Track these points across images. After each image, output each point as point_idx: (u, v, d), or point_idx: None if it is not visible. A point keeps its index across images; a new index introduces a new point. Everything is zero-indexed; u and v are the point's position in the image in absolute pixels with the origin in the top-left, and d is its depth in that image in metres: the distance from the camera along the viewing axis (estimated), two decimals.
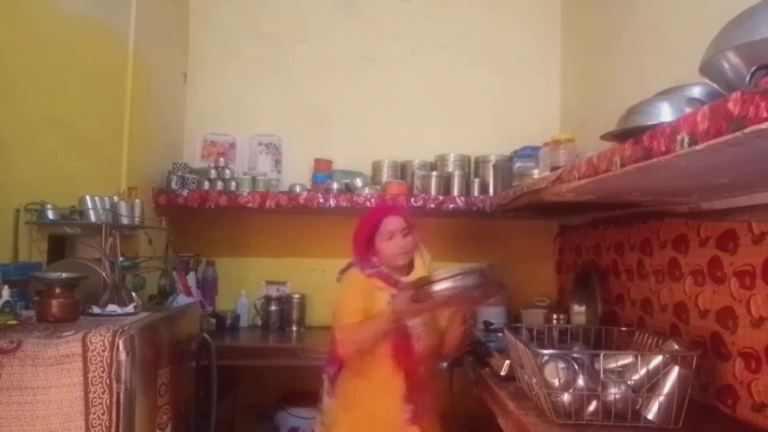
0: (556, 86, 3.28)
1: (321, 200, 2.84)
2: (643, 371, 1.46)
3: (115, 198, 2.18)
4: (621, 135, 1.28)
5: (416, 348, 1.86)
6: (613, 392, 1.46)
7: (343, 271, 2.00)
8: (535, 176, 2.27)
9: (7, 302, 1.54)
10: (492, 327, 2.61)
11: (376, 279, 1.89)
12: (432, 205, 2.85)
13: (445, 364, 2.22)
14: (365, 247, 1.92)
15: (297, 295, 3.11)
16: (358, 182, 2.96)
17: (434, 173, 2.98)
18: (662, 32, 2.09)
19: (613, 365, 1.52)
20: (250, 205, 2.82)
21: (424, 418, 1.84)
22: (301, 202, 2.83)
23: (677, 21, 1.97)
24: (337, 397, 1.93)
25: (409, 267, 1.95)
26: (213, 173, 2.94)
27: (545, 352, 1.55)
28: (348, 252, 3.26)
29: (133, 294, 1.83)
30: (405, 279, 1.90)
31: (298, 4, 3.34)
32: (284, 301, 3.11)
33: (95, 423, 1.30)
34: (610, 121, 1.36)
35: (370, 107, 3.28)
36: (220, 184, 2.90)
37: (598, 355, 1.49)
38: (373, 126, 3.27)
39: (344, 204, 2.83)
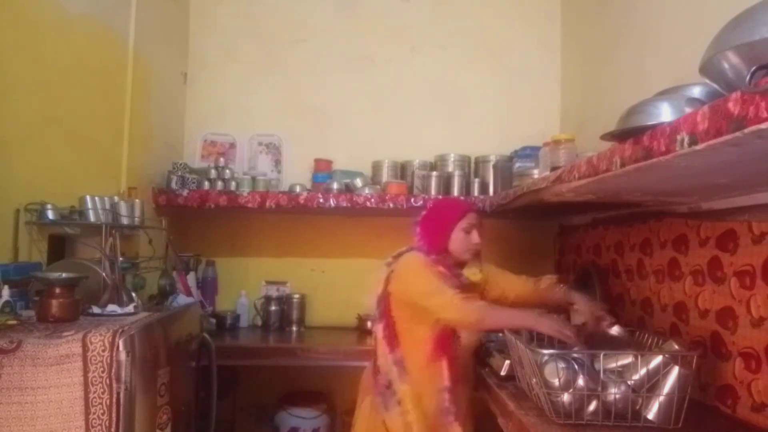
0: (556, 86, 3.28)
1: (321, 200, 2.84)
2: (643, 371, 1.46)
3: (115, 198, 2.18)
4: (621, 135, 1.28)
5: (460, 349, 1.92)
6: (613, 392, 1.46)
7: (399, 255, 1.99)
8: (535, 176, 2.27)
9: (7, 302, 1.54)
10: None
11: (440, 266, 1.90)
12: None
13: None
14: (441, 234, 1.94)
15: (297, 295, 3.11)
16: (358, 182, 2.96)
17: (434, 173, 2.98)
18: (662, 32, 2.09)
19: (613, 365, 1.52)
20: (250, 205, 2.82)
21: (464, 417, 1.89)
22: (301, 202, 2.83)
23: (677, 21, 1.97)
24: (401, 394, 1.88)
25: (462, 265, 1.99)
26: (213, 173, 2.94)
27: (545, 352, 1.55)
28: (347, 251, 3.27)
29: (133, 294, 1.83)
30: (464, 272, 1.95)
31: (298, 4, 3.34)
32: (284, 301, 3.11)
33: (95, 423, 1.30)
34: (610, 121, 1.36)
35: (370, 107, 3.28)
36: (220, 184, 2.90)
37: (598, 355, 1.49)
38: (373, 126, 3.27)
39: (344, 204, 2.83)
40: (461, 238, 1.93)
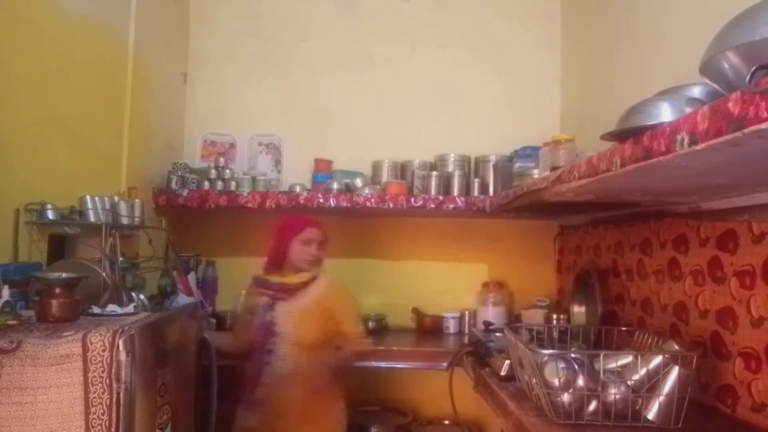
0: (556, 86, 3.28)
1: (321, 200, 2.84)
2: (643, 371, 1.46)
3: (115, 198, 2.18)
4: (621, 135, 1.28)
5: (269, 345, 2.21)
6: (613, 392, 1.46)
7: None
8: (535, 176, 2.27)
9: (7, 302, 1.54)
10: (492, 327, 2.60)
11: (254, 288, 2.32)
12: (432, 205, 2.85)
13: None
14: (280, 246, 2.26)
15: None
16: (358, 182, 2.96)
17: (434, 173, 2.98)
18: (662, 32, 2.09)
19: (613, 365, 1.52)
20: (250, 205, 2.82)
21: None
22: (301, 202, 2.83)
23: (677, 21, 1.98)
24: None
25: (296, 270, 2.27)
26: (213, 173, 2.94)
27: (545, 352, 1.55)
28: (347, 251, 3.27)
29: (137, 294, 1.83)
30: (275, 279, 2.27)
31: (298, 4, 3.34)
32: None
33: (95, 423, 1.30)
34: (610, 121, 1.36)
35: (370, 107, 3.28)
36: (220, 184, 2.90)
37: (598, 355, 1.49)
38: (373, 126, 3.27)
39: (344, 204, 2.83)
40: (299, 249, 2.25)
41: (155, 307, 2.14)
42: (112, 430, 1.31)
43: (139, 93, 2.61)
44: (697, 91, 1.27)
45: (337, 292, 2.31)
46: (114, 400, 1.31)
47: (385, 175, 3.06)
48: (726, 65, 0.93)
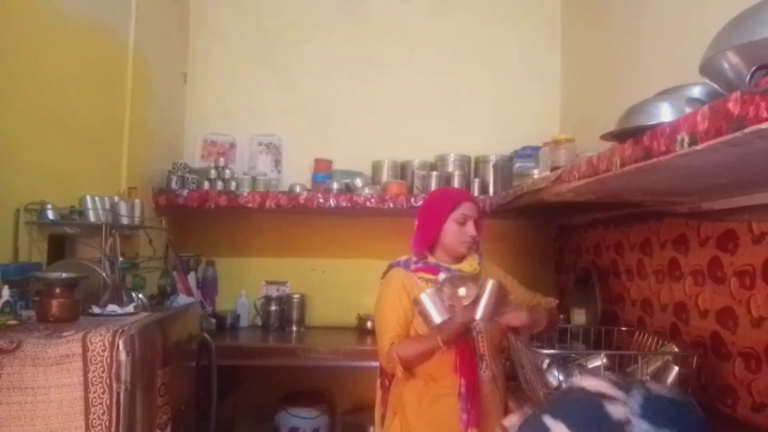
0: (556, 86, 3.28)
1: (321, 200, 2.84)
2: (643, 371, 1.46)
3: (115, 198, 2.18)
4: (621, 135, 1.28)
5: (480, 350, 1.78)
6: None
7: (384, 274, 1.90)
8: (535, 176, 2.28)
9: (7, 302, 1.54)
10: None
11: (423, 272, 1.82)
12: None
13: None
14: (433, 227, 1.82)
15: (297, 295, 3.11)
16: (358, 182, 2.96)
17: (434, 173, 2.98)
18: (662, 32, 2.09)
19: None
20: (250, 205, 2.82)
21: (480, 421, 1.70)
22: (301, 202, 2.83)
23: (677, 21, 1.97)
24: (390, 403, 1.84)
25: (461, 259, 1.86)
26: (213, 173, 2.94)
27: (545, 352, 1.55)
28: (347, 251, 3.28)
29: (139, 295, 1.83)
30: (454, 267, 1.82)
31: (299, 4, 3.34)
32: (284, 301, 3.11)
33: (95, 423, 1.30)
34: (610, 121, 1.35)
35: (370, 107, 3.28)
36: (220, 184, 2.90)
37: (598, 355, 1.49)
38: (373, 126, 3.27)
39: (344, 204, 2.83)
40: (454, 230, 1.80)
41: (155, 307, 2.14)
42: (112, 430, 1.31)
43: (139, 93, 2.61)
44: (697, 91, 1.27)
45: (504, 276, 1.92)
46: (114, 400, 1.31)
47: (385, 175, 3.07)
48: (726, 65, 0.93)
